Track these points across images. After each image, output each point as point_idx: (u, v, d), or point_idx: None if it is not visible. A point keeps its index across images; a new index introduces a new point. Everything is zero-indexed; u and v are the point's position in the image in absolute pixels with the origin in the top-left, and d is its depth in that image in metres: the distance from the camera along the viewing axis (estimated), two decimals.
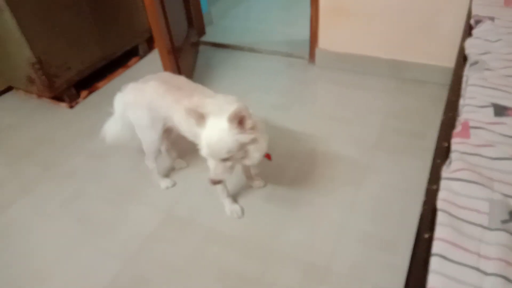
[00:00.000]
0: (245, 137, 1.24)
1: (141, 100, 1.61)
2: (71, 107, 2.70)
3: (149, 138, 1.72)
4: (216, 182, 1.24)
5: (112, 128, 1.80)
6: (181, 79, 1.69)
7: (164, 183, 1.95)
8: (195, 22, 3.20)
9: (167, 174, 2.04)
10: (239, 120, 1.22)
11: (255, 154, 1.32)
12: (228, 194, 1.77)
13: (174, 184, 1.96)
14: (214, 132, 1.21)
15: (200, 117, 1.24)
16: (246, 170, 1.86)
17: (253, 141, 1.28)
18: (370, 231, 1.65)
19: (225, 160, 1.24)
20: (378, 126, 2.24)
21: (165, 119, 1.64)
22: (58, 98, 2.70)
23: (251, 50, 3.22)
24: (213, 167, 1.23)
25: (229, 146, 1.21)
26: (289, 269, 1.55)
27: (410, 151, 2.03)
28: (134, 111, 1.65)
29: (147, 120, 1.64)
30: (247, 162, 1.36)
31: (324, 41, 2.76)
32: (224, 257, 1.62)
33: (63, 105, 2.70)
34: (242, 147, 1.26)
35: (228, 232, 1.73)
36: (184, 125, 1.58)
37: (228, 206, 1.78)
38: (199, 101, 1.51)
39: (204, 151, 1.23)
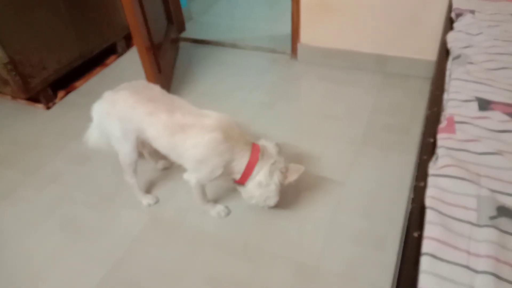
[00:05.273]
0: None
1: (112, 110, 1.57)
2: (48, 108, 2.60)
3: (123, 150, 1.66)
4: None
5: (92, 136, 1.75)
6: (155, 90, 1.62)
7: (146, 200, 1.86)
8: (175, 18, 3.13)
9: (149, 188, 1.95)
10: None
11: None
12: (208, 200, 1.74)
13: (157, 201, 1.87)
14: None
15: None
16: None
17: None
18: (360, 228, 1.65)
19: None
20: (365, 121, 2.23)
21: (137, 131, 1.57)
22: (34, 99, 2.60)
23: (233, 46, 3.17)
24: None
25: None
26: (280, 269, 1.53)
27: (398, 146, 2.03)
28: (107, 121, 1.61)
29: (118, 131, 1.59)
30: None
31: (306, 36, 2.74)
32: (214, 259, 1.59)
33: (40, 106, 2.61)
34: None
35: (216, 233, 1.70)
36: (163, 141, 1.52)
37: (212, 209, 1.75)
38: (184, 119, 1.47)
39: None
